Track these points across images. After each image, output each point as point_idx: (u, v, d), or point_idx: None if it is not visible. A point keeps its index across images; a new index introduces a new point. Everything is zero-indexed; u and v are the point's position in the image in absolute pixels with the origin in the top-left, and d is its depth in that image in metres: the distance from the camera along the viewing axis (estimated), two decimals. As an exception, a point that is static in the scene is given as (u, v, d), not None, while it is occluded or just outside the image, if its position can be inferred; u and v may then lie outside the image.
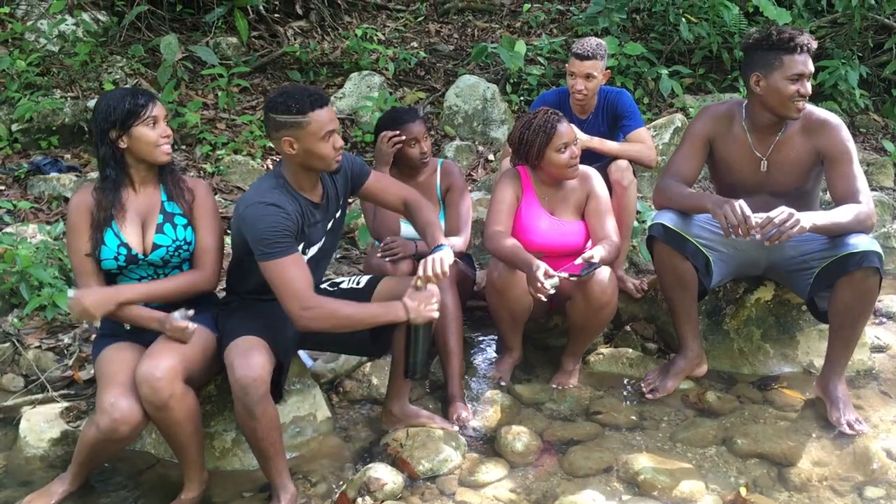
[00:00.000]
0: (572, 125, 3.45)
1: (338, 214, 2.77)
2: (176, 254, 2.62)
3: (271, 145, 5.62)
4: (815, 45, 2.92)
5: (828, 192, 3.08)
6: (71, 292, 2.50)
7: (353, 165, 2.78)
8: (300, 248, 2.57)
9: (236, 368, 2.37)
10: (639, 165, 3.73)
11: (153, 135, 2.52)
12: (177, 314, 2.49)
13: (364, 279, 2.82)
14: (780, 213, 2.71)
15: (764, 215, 2.72)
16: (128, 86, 5.67)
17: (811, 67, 2.94)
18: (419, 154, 3.35)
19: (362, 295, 2.75)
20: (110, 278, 2.60)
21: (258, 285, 2.61)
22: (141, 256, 2.57)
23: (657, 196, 3.19)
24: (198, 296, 2.67)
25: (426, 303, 2.55)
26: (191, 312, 2.51)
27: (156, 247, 2.58)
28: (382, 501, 2.49)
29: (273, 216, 2.45)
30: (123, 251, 2.54)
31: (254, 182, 2.66)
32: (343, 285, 2.83)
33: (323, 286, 2.83)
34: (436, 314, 2.57)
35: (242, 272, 2.68)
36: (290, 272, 2.46)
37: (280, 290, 2.46)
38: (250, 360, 2.38)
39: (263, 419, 2.40)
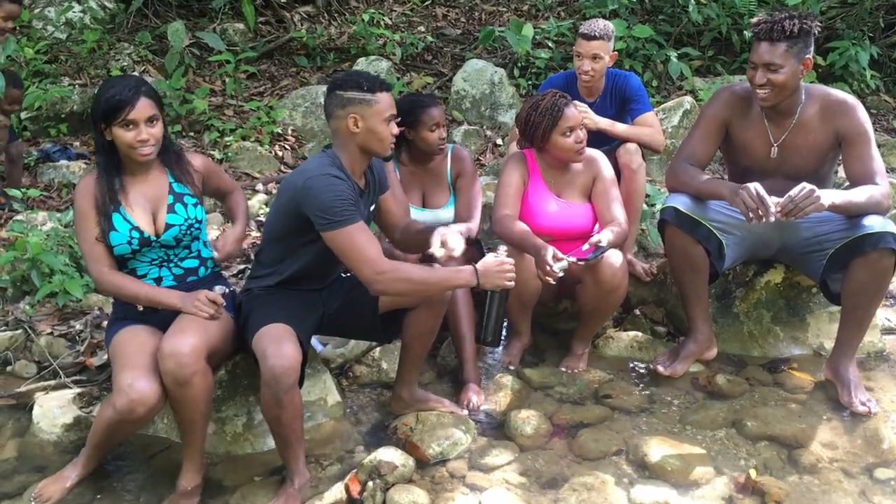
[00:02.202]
0: (585, 106, 3.45)
1: (371, 208, 2.78)
2: (188, 232, 2.63)
3: (279, 132, 5.62)
4: (780, 30, 2.84)
5: (839, 173, 3.07)
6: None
7: (381, 171, 2.80)
8: None
9: (269, 357, 2.37)
10: (647, 149, 3.71)
11: (128, 137, 2.46)
12: (217, 288, 2.55)
13: None
14: (801, 188, 2.69)
15: (785, 198, 2.70)
16: (135, 73, 5.67)
17: (772, 57, 2.86)
18: (438, 139, 3.32)
19: None
20: (122, 263, 2.60)
21: (299, 268, 2.64)
22: (153, 238, 2.57)
23: (670, 179, 3.18)
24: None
25: (499, 270, 2.54)
26: (227, 290, 2.56)
27: (168, 226, 2.58)
28: (393, 485, 2.51)
29: (340, 186, 2.48)
30: (136, 234, 2.54)
31: (306, 161, 2.67)
32: None
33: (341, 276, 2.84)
34: (509, 283, 2.56)
35: (283, 254, 2.66)
36: (361, 238, 2.47)
37: (352, 257, 2.47)
38: (283, 348, 2.39)
39: (290, 407, 2.42)
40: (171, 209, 2.60)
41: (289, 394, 2.39)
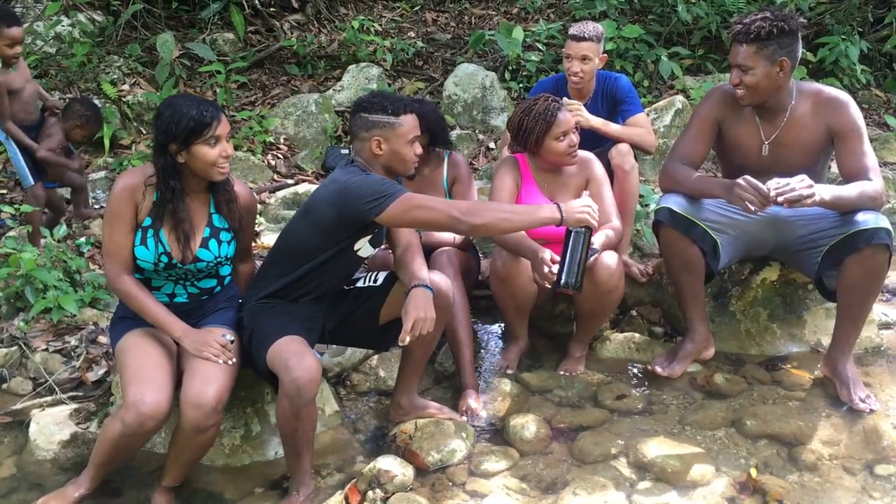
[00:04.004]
0: (579, 104, 3.46)
1: None
2: (215, 268, 2.62)
3: (271, 140, 5.62)
4: (747, 33, 2.86)
5: (832, 169, 3.07)
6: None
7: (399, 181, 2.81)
8: (367, 238, 2.65)
9: (293, 369, 2.36)
10: (638, 150, 3.71)
11: (213, 154, 2.43)
12: (228, 336, 2.53)
13: (381, 276, 2.82)
14: (802, 179, 2.70)
15: (783, 181, 2.70)
16: (125, 85, 5.67)
17: (743, 59, 2.90)
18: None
19: (380, 292, 2.77)
20: (137, 269, 2.57)
21: (312, 279, 2.66)
22: (180, 265, 2.55)
23: (663, 179, 3.18)
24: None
25: (582, 208, 2.56)
26: (232, 338, 2.55)
27: (197, 260, 2.55)
28: (393, 493, 2.50)
29: (376, 175, 2.57)
30: (165, 259, 2.51)
31: (333, 174, 2.67)
32: (359, 284, 2.83)
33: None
34: (592, 222, 2.58)
35: (298, 265, 2.65)
36: (423, 197, 2.53)
37: (426, 213, 2.49)
38: (305, 361, 2.39)
39: (307, 420, 2.42)
40: (204, 244, 2.56)
41: (308, 406, 2.39)
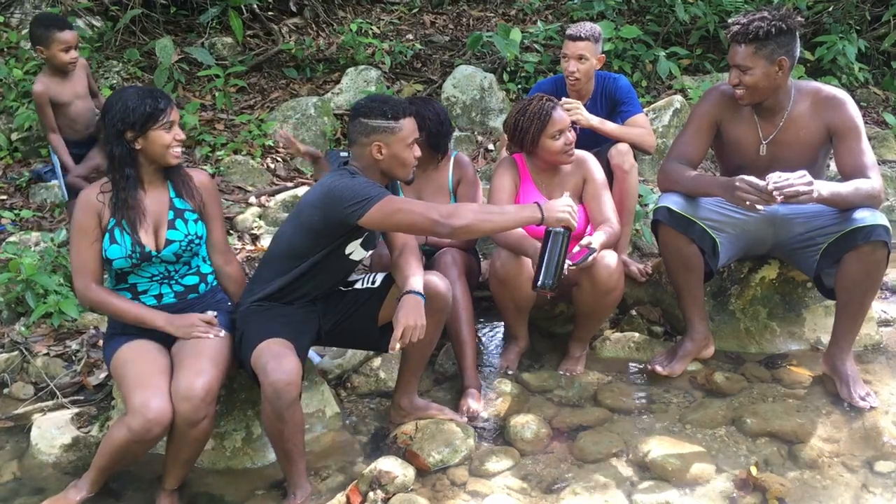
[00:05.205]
0: (578, 102, 3.47)
1: None
2: (188, 248, 2.63)
3: (270, 144, 5.62)
4: (745, 33, 2.87)
5: (831, 167, 3.07)
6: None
7: (395, 186, 2.82)
8: (358, 241, 2.66)
9: (270, 372, 2.37)
10: (638, 150, 3.72)
11: (168, 138, 2.51)
12: (209, 312, 2.55)
13: (379, 277, 2.82)
14: (802, 175, 2.70)
15: (783, 175, 2.69)
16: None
17: (742, 59, 2.91)
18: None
19: (378, 293, 2.77)
20: (122, 277, 2.60)
21: (304, 282, 2.66)
22: (154, 253, 2.56)
23: (662, 179, 3.18)
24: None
25: (563, 206, 2.58)
26: (216, 314, 2.57)
27: (168, 242, 2.58)
28: (394, 494, 2.50)
29: (361, 178, 2.55)
30: (137, 249, 2.53)
31: (323, 178, 2.68)
32: (357, 285, 2.83)
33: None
34: (573, 222, 2.59)
35: (290, 267, 2.65)
36: (403, 200, 2.54)
37: (410, 215, 2.49)
38: (283, 363, 2.39)
39: (292, 422, 2.42)
40: (171, 225, 2.59)
41: (290, 408, 2.39)
